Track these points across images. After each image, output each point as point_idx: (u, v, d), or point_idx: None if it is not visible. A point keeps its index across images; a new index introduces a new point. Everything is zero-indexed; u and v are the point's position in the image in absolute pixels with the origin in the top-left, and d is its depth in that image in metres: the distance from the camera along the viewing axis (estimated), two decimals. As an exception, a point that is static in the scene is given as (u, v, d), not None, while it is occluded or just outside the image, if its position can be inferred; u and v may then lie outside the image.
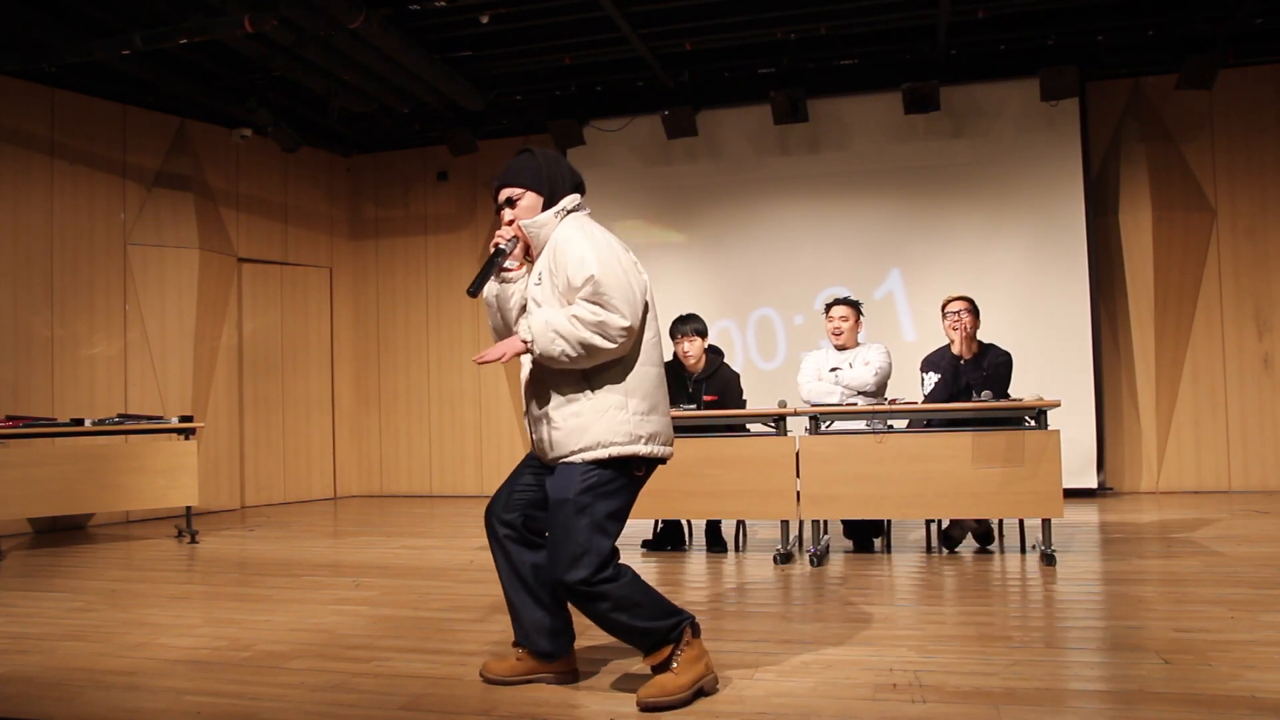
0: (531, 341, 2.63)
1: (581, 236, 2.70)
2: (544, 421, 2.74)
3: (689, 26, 7.06)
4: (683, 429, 5.24)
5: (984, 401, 4.79)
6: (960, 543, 5.09)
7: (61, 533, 6.91)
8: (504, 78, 8.04)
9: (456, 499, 8.90)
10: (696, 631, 2.71)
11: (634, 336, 2.68)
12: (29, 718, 2.65)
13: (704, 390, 5.36)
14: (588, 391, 2.68)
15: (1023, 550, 5.06)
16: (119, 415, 6.73)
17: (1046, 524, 4.70)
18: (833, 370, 5.38)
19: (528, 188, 2.81)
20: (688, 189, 8.50)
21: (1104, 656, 3.01)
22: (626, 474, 2.70)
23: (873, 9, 6.80)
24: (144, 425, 6.43)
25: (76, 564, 5.47)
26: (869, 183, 8.09)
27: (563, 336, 2.59)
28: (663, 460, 2.82)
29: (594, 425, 2.66)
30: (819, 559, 4.78)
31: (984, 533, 5.12)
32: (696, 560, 5.10)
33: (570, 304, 2.64)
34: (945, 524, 5.19)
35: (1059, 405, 4.71)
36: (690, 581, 4.54)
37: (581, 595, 2.61)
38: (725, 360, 5.57)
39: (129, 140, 7.73)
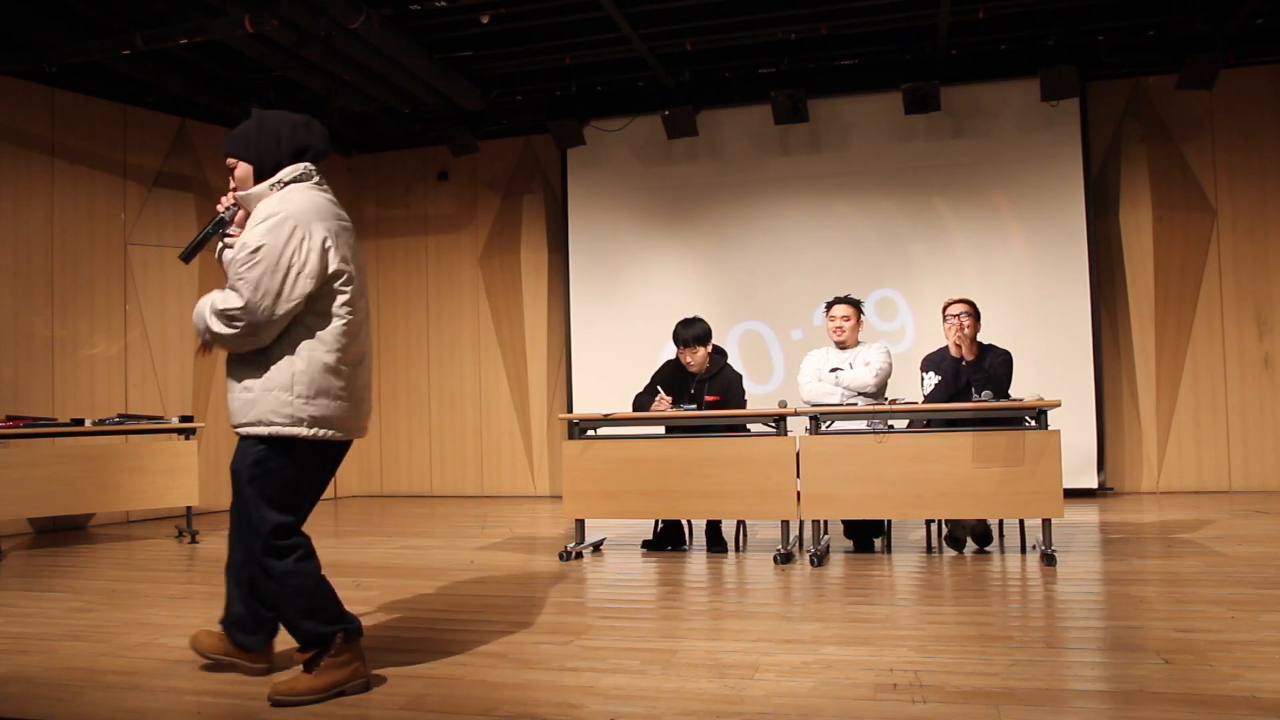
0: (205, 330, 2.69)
1: (268, 215, 2.65)
2: (227, 390, 2.83)
3: (689, 26, 7.06)
4: (683, 429, 5.26)
5: (984, 401, 4.79)
6: (965, 544, 5.08)
7: (62, 533, 6.91)
8: (504, 78, 8.04)
9: (456, 499, 8.91)
10: (350, 638, 2.76)
11: (262, 325, 2.65)
12: (29, 718, 2.65)
13: (706, 390, 5.36)
14: (261, 369, 2.72)
15: (1023, 550, 5.06)
16: (119, 415, 6.73)
17: (1047, 524, 4.70)
18: (833, 370, 5.39)
19: (240, 157, 2.81)
20: (688, 189, 8.49)
21: (1104, 656, 3.01)
22: (289, 453, 2.74)
23: (873, 9, 6.80)
24: (144, 425, 6.44)
25: (76, 564, 5.47)
26: (869, 183, 8.09)
27: (201, 322, 2.68)
28: (337, 443, 2.87)
29: (260, 402, 2.71)
30: (819, 559, 4.78)
31: (982, 533, 5.11)
32: (697, 560, 5.10)
33: None
34: (947, 529, 5.19)
35: (1059, 405, 4.71)
36: (690, 581, 4.54)
37: (256, 569, 2.74)
38: (728, 361, 5.57)
39: (129, 140, 7.73)
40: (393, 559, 5.31)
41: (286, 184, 2.76)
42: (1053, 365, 7.49)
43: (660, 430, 5.35)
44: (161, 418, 6.78)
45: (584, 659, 3.06)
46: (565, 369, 8.74)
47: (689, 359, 5.36)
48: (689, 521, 5.64)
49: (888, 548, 5.24)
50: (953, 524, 5.12)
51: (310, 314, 2.72)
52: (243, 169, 2.80)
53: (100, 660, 3.21)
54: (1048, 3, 6.67)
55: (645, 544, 5.51)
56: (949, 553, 5.04)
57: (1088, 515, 6.45)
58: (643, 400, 5.44)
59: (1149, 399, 7.76)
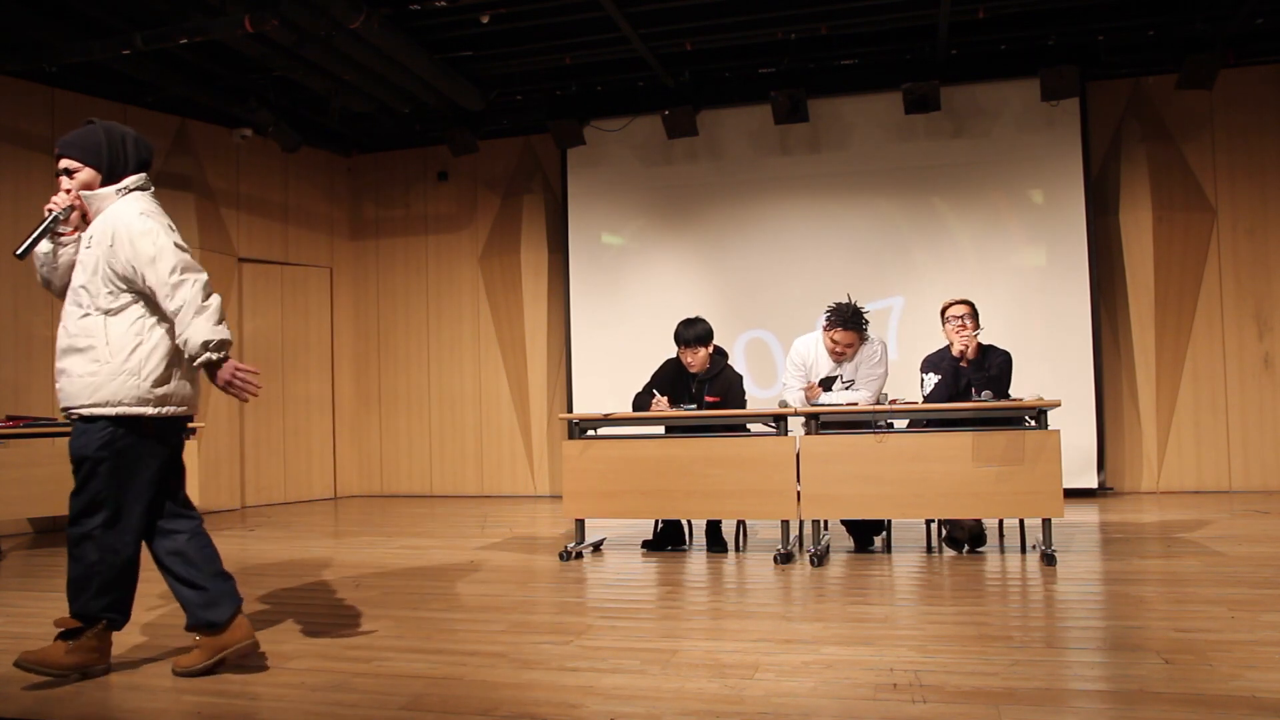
0: (213, 343, 2.87)
1: (142, 219, 2.90)
2: (59, 374, 2.94)
3: (689, 26, 7.06)
4: (683, 429, 5.25)
5: (984, 402, 4.79)
6: (964, 544, 5.08)
7: (61, 533, 6.90)
8: (504, 78, 8.04)
9: (456, 499, 8.90)
10: (110, 628, 2.99)
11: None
12: (29, 718, 2.65)
13: (706, 391, 5.36)
14: (107, 352, 2.90)
15: (1023, 550, 5.06)
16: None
17: (1047, 524, 4.70)
18: (826, 379, 5.31)
19: (86, 163, 2.99)
20: (688, 189, 8.49)
21: (1104, 656, 3.01)
22: (137, 432, 2.93)
23: (873, 9, 6.80)
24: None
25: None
26: (870, 183, 8.09)
27: (216, 324, 2.87)
28: (180, 420, 3.03)
29: (107, 385, 2.88)
30: (819, 559, 4.78)
31: (977, 534, 5.11)
32: (697, 560, 5.10)
33: (120, 276, 2.89)
34: (945, 530, 5.18)
35: (1059, 405, 4.71)
36: (690, 581, 4.54)
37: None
38: (729, 362, 5.56)
39: (129, 140, 7.72)
40: (393, 559, 5.31)
41: (130, 190, 3.00)
42: (1053, 365, 7.49)
43: (660, 430, 5.35)
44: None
45: (584, 659, 3.06)
46: (565, 369, 8.74)
47: (690, 359, 5.36)
48: (689, 521, 5.64)
49: (888, 548, 5.24)
50: (951, 525, 5.12)
51: (153, 300, 2.95)
52: (88, 174, 2.98)
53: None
54: (1048, 3, 6.67)
55: (645, 544, 5.51)
56: (949, 553, 5.05)
57: (1088, 515, 6.45)
58: (642, 400, 5.43)
59: (1149, 399, 7.76)
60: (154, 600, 4.27)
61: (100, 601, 2.92)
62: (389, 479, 9.42)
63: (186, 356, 2.90)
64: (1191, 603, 3.67)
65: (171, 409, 2.97)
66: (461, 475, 9.20)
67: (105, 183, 2.98)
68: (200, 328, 2.84)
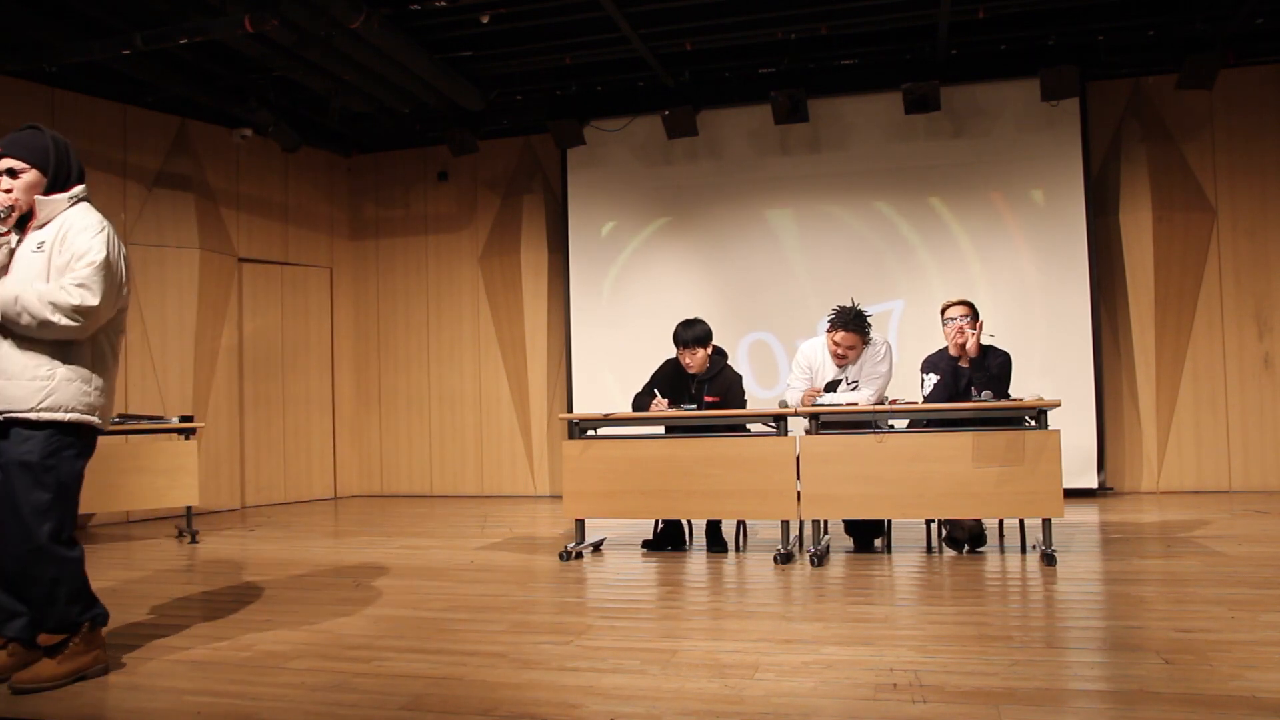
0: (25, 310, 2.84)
1: (94, 226, 2.96)
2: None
3: (689, 26, 7.06)
4: (683, 429, 5.25)
5: (984, 402, 4.79)
6: (964, 545, 5.08)
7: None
8: (504, 78, 8.04)
9: (456, 499, 8.90)
10: (96, 626, 2.98)
11: (95, 326, 2.94)
12: (29, 718, 2.65)
13: (706, 391, 5.36)
14: (59, 357, 2.91)
15: (1023, 550, 5.06)
16: (119, 415, 6.72)
17: (1047, 524, 4.70)
18: (830, 384, 5.31)
19: (34, 165, 2.97)
20: (688, 189, 8.49)
21: (1104, 656, 3.01)
22: (81, 440, 2.98)
23: (873, 9, 6.80)
24: (144, 425, 6.43)
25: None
26: (870, 183, 8.09)
27: (29, 311, 2.82)
28: (101, 433, 3.04)
29: (59, 390, 2.90)
30: (819, 559, 4.78)
31: (977, 534, 5.11)
32: (697, 560, 5.10)
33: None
34: (945, 530, 5.18)
35: (1059, 405, 4.71)
36: (690, 581, 4.54)
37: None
38: (729, 362, 5.56)
39: (129, 140, 7.74)
40: (393, 559, 5.31)
41: (79, 200, 3.04)
42: (1053, 365, 7.50)
43: (660, 430, 5.35)
44: (161, 418, 6.77)
45: (584, 659, 3.06)
46: (565, 369, 8.74)
47: (689, 360, 5.36)
48: (689, 521, 5.64)
49: (888, 548, 5.24)
50: (951, 525, 5.12)
51: None
52: (34, 176, 2.97)
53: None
54: (1048, 3, 6.67)
55: (645, 544, 5.51)
56: (949, 553, 5.05)
57: (1088, 515, 6.45)
58: (642, 400, 5.43)
59: (1149, 399, 7.75)
60: (153, 600, 4.27)
61: (75, 608, 2.93)
62: (389, 479, 9.42)
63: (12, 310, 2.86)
64: (1191, 603, 3.67)
65: (100, 418, 3.01)
66: (461, 475, 9.20)
67: (51, 189, 2.98)
68: (41, 306, 2.81)
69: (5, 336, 2.89)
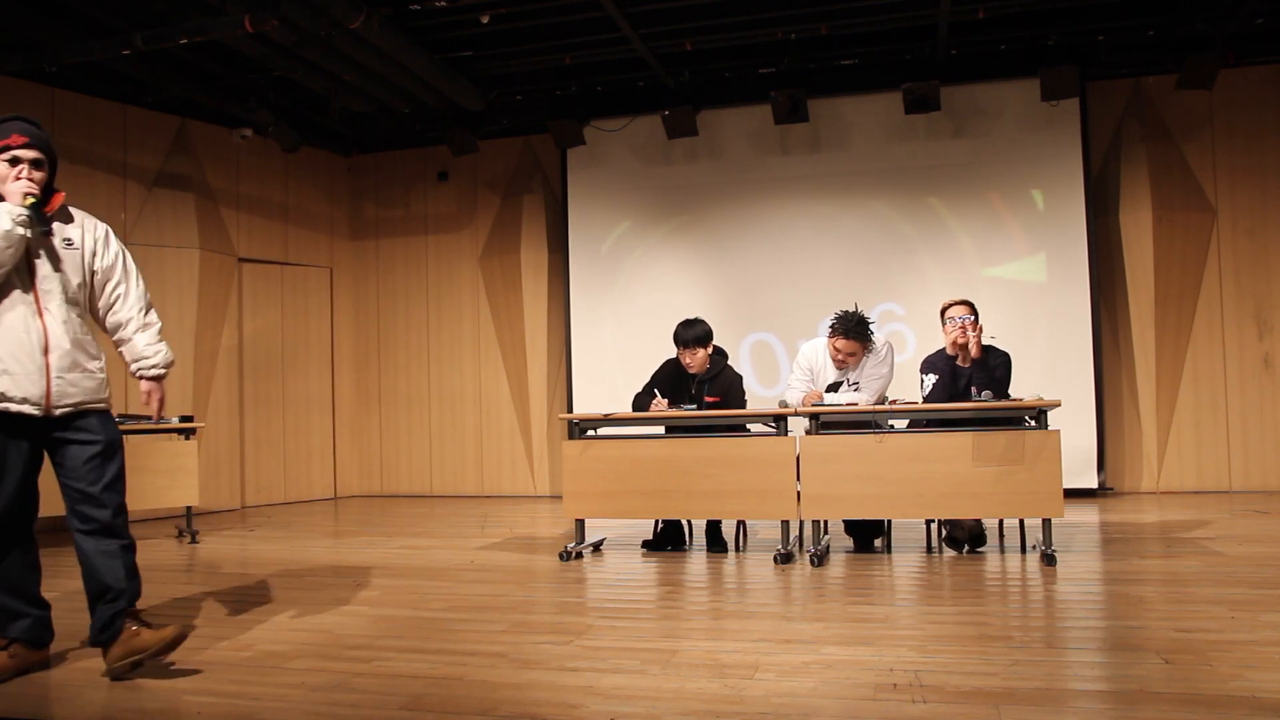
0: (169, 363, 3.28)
1: (104, 229, 3.21)
2: (66, 370, 3.02)
3: (689, 26, 7.06)
4: (683, 429, 5.25)
5: (984, 402, 4.79)
6: (964, 544, 5.08)
7: (61, 533, 6.88)
8: (504, 78, 8.04)
9: (456, 499, 8.90)
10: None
11: None
12: (29, 718, 2.65)
13: (706, 391, 5.35)
14: (98, 354, 3.16)
15: (1023, 550, 5.06)
16: (119, 415, 6.68)
17: (1047, 524, 4.70)
18: (832, 386, 5.31)
19: (50, 164, 3.07)
20: (688, 189, 8.50)
21: (1104, 656, 3.01)
22: None
23: (873, 9, 6.80)
24: (144, 425, 6.42)
25: (76, 564, 5.45)
26: (870, 183, 8.09)
27: (167, 352, 3.29)
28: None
29: (104, 383, 3.14)
30: (819, 559, 4.78)
31: (977, 534, 5.11)
32: (697, 560, 5.10)
33: (91, 280, 3.13)
34: (945, 530, 5.18)
35: (1059, 405, 4.71)
36: (690, 581, 4.54)
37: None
38: (729, 362, 5.56)
39: (129, 140, 7.73)
40: (393, 559, 5.31)
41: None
42: (1053, 365, 7.50)
43: (660, 430, 5.35)
44: (161, 417, 6.75)
45: (584, 659, 3.06)
46: (565, 369, 8.74)
47: (689, 360, 5.36)
48: (689, 521, 5.64)
49: (888, 548, 5.24)
50: (951, 525, 5.12)
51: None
52: (44, 174, 3.03)
53: (100, 660, 3.20)
54: (1048, 3, 6.67)
55: (645, 544, 5.51)
56: (949, 553, 5.05)
57: (1088, 515, 6.45)
58: (642, 400, 5.43)
59: (1149, 399, 7.75)
60: (153, 601, 4.27)
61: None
62: (389, 479, 9.42)
63: (149, 366, 3.17)
64: (1191, 603, 3.67)
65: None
66: (461, 475, 9.20)
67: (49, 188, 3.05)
68: (164, 349, 3.22)
69: (68, 334, 3.02)
